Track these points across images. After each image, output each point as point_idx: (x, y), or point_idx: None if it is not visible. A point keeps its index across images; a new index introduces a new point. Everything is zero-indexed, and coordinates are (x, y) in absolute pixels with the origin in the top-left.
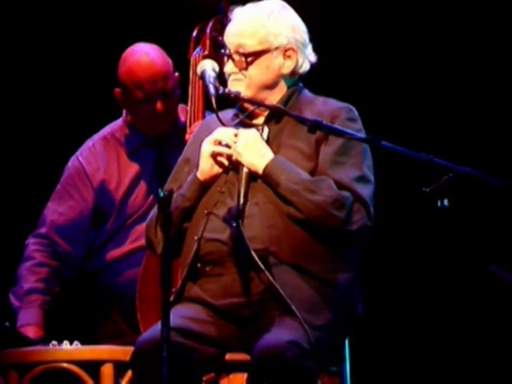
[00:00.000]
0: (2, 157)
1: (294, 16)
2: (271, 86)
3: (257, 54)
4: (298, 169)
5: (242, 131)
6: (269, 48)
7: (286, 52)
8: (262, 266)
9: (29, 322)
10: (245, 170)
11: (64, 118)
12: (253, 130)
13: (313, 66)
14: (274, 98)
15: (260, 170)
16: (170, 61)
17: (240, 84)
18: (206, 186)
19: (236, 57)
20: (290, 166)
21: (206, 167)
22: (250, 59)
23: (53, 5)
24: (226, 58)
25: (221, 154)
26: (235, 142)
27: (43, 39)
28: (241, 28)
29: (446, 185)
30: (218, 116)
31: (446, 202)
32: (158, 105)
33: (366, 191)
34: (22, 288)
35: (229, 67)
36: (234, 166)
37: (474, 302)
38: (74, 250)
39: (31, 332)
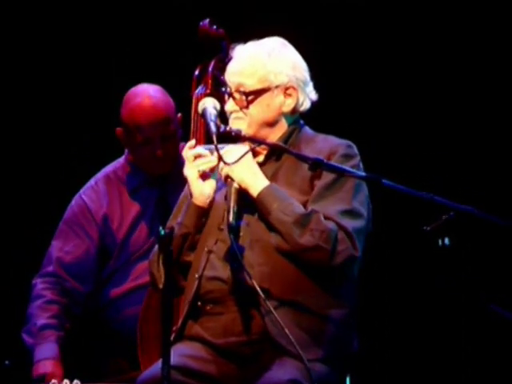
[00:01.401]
0: (3, 196)
1: (295, 54)
2: (272, 124)
3: (257, 93)
4: (292, 199)
5: (231, 147)
6: (269, 86)
7: (287, 90)
8: (271, 308)
9: (47, 357)
10: (235, 185)
11: (66, 155)
12: (243, 147)
13: (314, 103)
14: (275, 135)
15: (251, 190)
16: (172, 103)
17: (241, 122)
18: (203, 211)
19: (237, 95)
20: (283, 195)
21: (198, 190)
22: (250, 98)
23: (57, 43)
24: (226, 96)
25: (207, 174)
26: (218, 157)
27: (47, 77)
28: (241, 67)
29: (447, 223)
30: (218, 153)
31: (446, 240)
32: (158, 149)
33: (351, 224)
34: (35, 325)
35: (230, 105)
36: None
37: (474, 334)
38: (81, 286)
39: (50, 367)
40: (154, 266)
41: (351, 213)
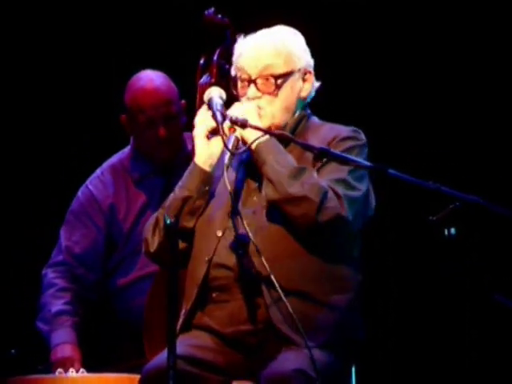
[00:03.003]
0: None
1: (303, 40)
2: (291, 110)
3: (285, 76)
4: (289, 155)
5: (237, 104)
6: (293, 69)
7: (305, 75)
8: (282, 294)
9: (64, 341)
10: (236, 134)
11: (73, 147)
12: (249, 104)
13: (321, 93)
14: (291, 122)
15: (250, 141)
16: (174, 87)
17: (264, 116)
18: (205, 175)
19: (260, 81)
20: (281, 150)
21: (203, 149)
22: (279, 81)
23: (62, 37)
24: (241, 83)
25: (215, 131)
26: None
27: (53, 70)
28: (265, 51)
29: (453, 213)
30: (224, 143)
31: (453, 230)
32: (161, 130)
33: (343, 191)
34: (49, 312)
35: (252, 92)
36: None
37: (479, 323)
38: (91, 274)
39: (68, 351)
40: (149, 230)
41: (344, 182)
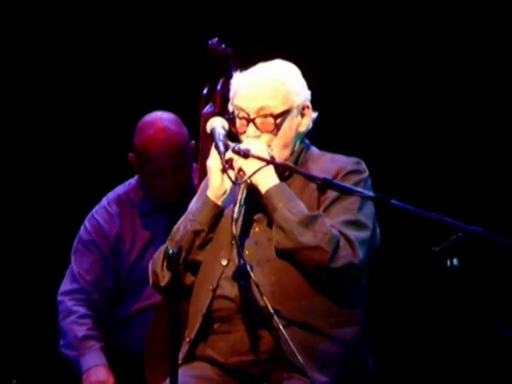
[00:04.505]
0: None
1: (300, 73)
2: (290, 146)
3: (284, 114)
4: (299, 200)
5: (247, 141)
6: (291, 107)
7: (303, 110)
8: (278, 322)
9: (96, 364)
10: (245, 179)
11: (79, 173)
12: (261, 145)
13: (315, 121)
14: (290, 157)
15: (261, 186)
16: (185, 134)
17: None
18: (217, 210)
19: (259, 120)
20: (291, 196)
21: (216, 182)
22: (278, 121)
23: (68, 71)
24: (239, 121)
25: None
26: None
27: (61, 103)
28: (263, 90)
29: (456, 244)
30: (227, 173)
31: (455, 261)
32: (169, 180)
33: (354, 234)
34: (76, 337)
35: (251, 131)
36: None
37: (484, 354)
38: (104, 301)
39: (102, 374)
40: (158, 265)
41: (355, 223)
